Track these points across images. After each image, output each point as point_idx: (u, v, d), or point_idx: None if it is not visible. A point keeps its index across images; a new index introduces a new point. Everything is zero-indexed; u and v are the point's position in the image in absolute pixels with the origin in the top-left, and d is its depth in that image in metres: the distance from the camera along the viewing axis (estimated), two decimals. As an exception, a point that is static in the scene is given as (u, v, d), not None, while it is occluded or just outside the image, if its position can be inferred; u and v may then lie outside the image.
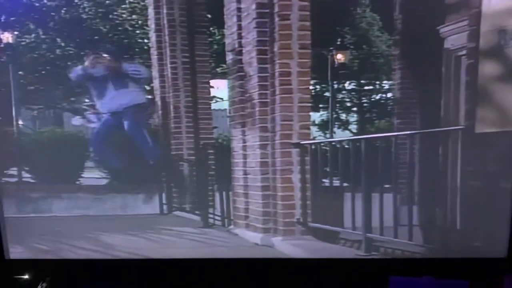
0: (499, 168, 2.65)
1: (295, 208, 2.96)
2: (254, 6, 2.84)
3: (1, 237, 2.89)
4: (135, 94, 3.12)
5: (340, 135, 3.03)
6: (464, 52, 2.66)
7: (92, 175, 3.20)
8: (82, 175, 3.18)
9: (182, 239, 3.06)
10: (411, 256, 2.75)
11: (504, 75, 2.55)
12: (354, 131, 3.06)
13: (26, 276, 2.80)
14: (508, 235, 2.65)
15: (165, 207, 3.20)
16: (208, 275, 2.76)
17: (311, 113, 2.94)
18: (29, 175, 3.17)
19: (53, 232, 3.02)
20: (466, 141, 2.72)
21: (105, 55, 3.03)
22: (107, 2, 3.01)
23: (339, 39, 2.93)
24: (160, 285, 2.81)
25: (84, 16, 3.02)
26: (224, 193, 3.17)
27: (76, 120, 3.22)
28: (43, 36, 3.04)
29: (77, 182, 3.19)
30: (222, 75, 3.16)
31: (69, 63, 3.03)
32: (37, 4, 2.97)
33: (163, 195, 3.19)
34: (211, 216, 3.18)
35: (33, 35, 3.02)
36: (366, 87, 3.03)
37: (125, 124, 3.10)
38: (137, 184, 3.13)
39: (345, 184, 2.93)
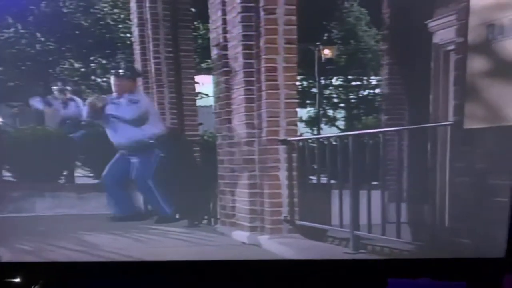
0: (488, 164, 2.63)
1: (282, 206, 2.92)
2: (239, 0, 2.79)
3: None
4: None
5: (328, 131, 3.00)
6: (452, 47, 2.62)
7: (76, 174, 3.16)
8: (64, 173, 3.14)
9: (168, 238, 3.01)
10: (408, 256, 2.72)
11: (493, 70, 2.51)
12: (342, 127, 3.03)
13: (18, 279, 2.75)
14: (506, 234, 2.63)
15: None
16: (196, 276, 2.72)
17: (298, 109, 2.89)
18: (9, 174, 3.11)
19: (36, 232, 2.96)
20: (455, 137, 2.69)
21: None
22: (89, -6, 2.96)
23: (326, 34, 2.88)
24: (153, 286, 2.77)
25: (64, 10, 2.96)
26: (210, 191, 3.13)
27: (36, 101, 3.14)
28: (22, 31, 2.97)
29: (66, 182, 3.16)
30: (207, 71, 3.11)
31: (50, 58, 2.97)
32: (15, -3, 2.91)
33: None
34: (197, 214, 3.14)
35: (12, 29, 2.95)
36: (353, 83, 2.99)
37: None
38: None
39: (332, 181, 2.90)
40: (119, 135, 3.05)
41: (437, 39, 2.71)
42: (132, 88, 3.07)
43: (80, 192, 3.12)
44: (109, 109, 3.05)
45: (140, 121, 3.06)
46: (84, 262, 2.86)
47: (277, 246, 2.90)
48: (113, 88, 3.06)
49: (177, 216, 3.11)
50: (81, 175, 3.16)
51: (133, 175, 3.09)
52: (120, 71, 3.06)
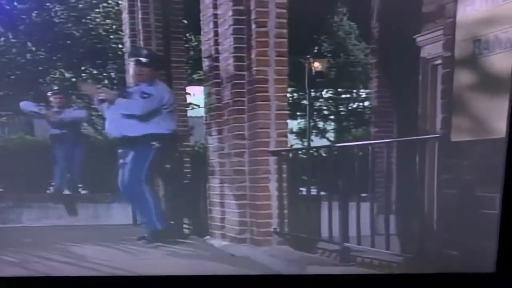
0: (475, 176, 2.66)
1: (272, 217, 2.91)
2: (231, 13, 2.82)
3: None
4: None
5: (318, 143, 3.02)
6: (440, 61, 2.67)
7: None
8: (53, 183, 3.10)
9: (156, 250, 2.98)
10: (397, 268, 2.72)
11: (479, 84, 2.56)
12: (332, 139, 3.06)
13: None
14: (495, 247, 2.64)
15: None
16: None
17: (288, 121, 2.90)
18: (-4, 184, 3.08)
19: (22, 244, 2.91)
20: (443, 149, 2.72)
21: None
22: (80, 6, 2.95)
23: (316, 47, 2.92)
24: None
25: (56, 20, 2.96)
26: (200, 202, 3.12)
27: (28, 105, 3.09)
28: (13, 40, 2.96)
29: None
30: (199, 82, 3.13)
31: (40, 68, 2.96)
32: (7, 7, 2.89)
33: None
34: (186, 226, 3.12)
35: (2, 38, 2.94)
36: (343, 95, 3.03)
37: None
38: (110, 193, 3.05)
39: (322, 193, 2.91)
40: (115, 126, 2.90)
41: (425, 53, 2.76)
42: (152, 77, 2.91)
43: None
44: (118, 101, 2.89)
45: (147, 116, 2.90)
46: (71, 277, 2.79)
47: (267, 258, 2.88)
48: (131, 76, 2.91)
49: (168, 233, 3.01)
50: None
51: (124, 176, 2.92)
52: (142, 59, 2.87)
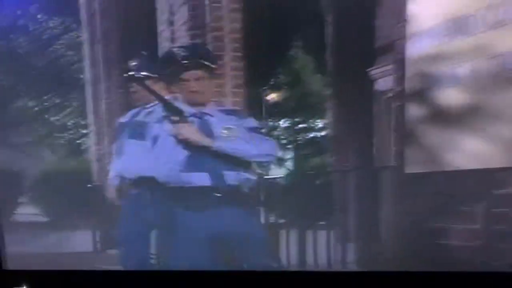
0: (429, 207, 2.71)
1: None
2: (187, 45, 2.88)
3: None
4: None
5: (276, 172, 3.05)
6: (391, 94, 2.72)
7: (27, 211, 3.13)
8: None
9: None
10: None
11: (430, 118, 2.61)
12: (290, 168, 3.10)
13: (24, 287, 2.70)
14: None
15: (98, 244, 3.10)
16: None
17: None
18: None
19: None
20: (397, 180, 2.77)
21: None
22: (44, 37, 2.99)
23: (272, 79, 2.97)
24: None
25: (20, 51, 2.99)
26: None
27: None
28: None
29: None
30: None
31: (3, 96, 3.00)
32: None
33: (97, 231, 3.09)
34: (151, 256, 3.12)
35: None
36: (301, 125, 3.07)
37: None
38: (72, 220, 3.07)
39: (281, 221, 2.95)
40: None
41: (378, 86, 2.81)
42: None
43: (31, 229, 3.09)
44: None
45: None
46: (93, 271, 2.78)
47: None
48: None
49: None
50: (29, 213, 3.14)
51: None
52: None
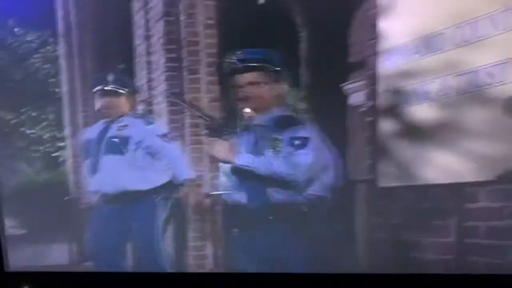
0: (403, 220, 2.73)
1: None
2: (163, 60, 2.90)
3: (1, 249, 2.82)
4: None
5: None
6: (365, 109, 2.76)
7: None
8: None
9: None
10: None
11: (402, 133, 2.65)
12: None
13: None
14: None
15: (77, 257, 3.09)
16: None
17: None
18: None
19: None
20: (371, 193, 2.79)
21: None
22: (21, 51, 3.00)
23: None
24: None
25: (-5, 64, 3.00)
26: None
27: None
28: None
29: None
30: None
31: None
32: None
33: (74, 244, 3.09)
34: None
35: None
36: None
37: None
38: (49, 233, 3.06)
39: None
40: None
41: (352, 101, 2.85)
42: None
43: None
44: None
45: None
46: (95, 273, 2.76)
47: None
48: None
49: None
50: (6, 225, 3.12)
51: None
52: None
